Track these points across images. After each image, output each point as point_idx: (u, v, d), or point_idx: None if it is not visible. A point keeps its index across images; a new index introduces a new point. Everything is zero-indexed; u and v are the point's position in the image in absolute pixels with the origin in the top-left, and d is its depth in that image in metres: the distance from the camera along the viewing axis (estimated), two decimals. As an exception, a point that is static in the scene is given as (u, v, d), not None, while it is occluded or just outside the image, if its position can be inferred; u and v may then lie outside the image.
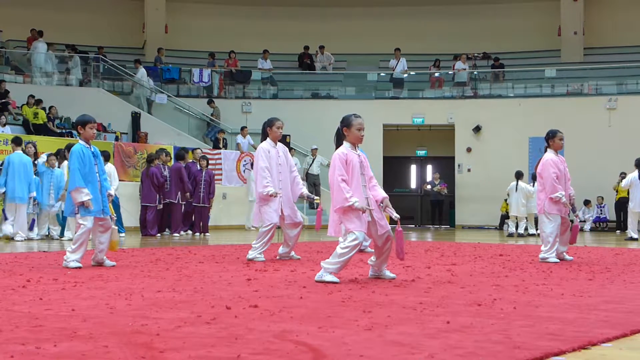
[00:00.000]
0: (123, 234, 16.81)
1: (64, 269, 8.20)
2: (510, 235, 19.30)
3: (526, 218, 20.10)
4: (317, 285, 6.74)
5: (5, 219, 14.98)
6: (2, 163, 15.05)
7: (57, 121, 22.32)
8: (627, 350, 4.05)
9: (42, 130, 20.92)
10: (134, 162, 20.57)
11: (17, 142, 15.28)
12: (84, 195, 8.40)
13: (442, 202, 26.60)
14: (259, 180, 9.78)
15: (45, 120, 21.42)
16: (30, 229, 15.35)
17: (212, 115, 26.17)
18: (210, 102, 26.36)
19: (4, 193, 14.71)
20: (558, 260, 9.86)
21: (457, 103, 27.13)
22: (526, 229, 20.15)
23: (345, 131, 7.26)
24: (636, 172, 17.66)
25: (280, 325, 4.52)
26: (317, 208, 9.88)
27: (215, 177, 19.51)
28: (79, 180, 8.46)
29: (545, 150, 10.32)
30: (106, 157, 16.16)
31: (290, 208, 9.90)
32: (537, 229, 19.34)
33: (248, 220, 20.39)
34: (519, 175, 19.33)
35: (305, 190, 10.19)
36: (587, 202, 24.21)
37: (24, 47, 26.69)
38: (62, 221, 15.71)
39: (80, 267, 8.32)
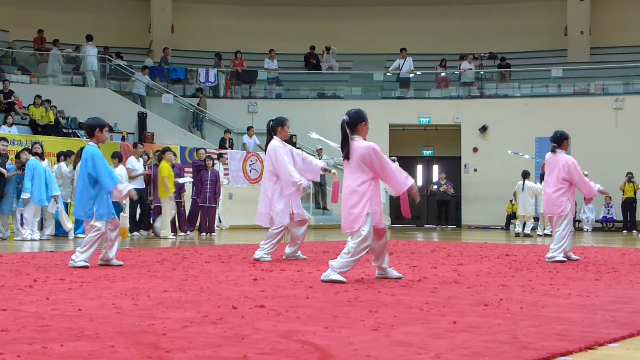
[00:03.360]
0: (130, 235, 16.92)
1: (71, 268, 8.21)
2: (517, 235, 19.26)
3: (534, 218, 20.06)
4: (324, 285, 6.74)
5: (22, 223, 15.08)
6: (21, 168, 15.12)
7: (64, 121, 22.36)
8: (634, 351, 4.05)
9: (50, 130, 20.99)
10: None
11: (28, 150, 15.41)
12: (126, 189, 8.65)
13: (449, 202, 26.57)
14: (289, 174, 9.64)
15: (52, 120, 21.45)
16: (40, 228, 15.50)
17: (198, 104, 26.18)
18: (197, 92, 26.42)
19: (30, 197, 14.79)
20: (565, 260, 9.86)
21: (464, 103, 27.11)
22: (534, 228, 20.10)
23: (362, 126, 7.23)
24: None
25: (286, 325, 4.52)
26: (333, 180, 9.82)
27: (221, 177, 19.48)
28: (115, 178, 8.73)
29: (554, 151, 10.29)
30: (119, 158, 16.26)
31: (297, 206, 9.93)
32: (544, 229, 19.33)
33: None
34: (525, 175, 19.30)
35: (323, 164, 10.13)
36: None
37: (31, 47, 26.74)
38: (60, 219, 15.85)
39: (87, 267, 8.34)
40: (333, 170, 10.14)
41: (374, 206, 7.08)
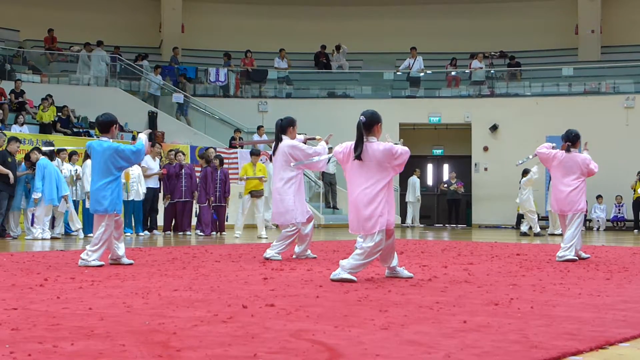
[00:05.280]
0: (142, 234, 16.98)
1: (82, 267, 8.23)
2: (522, 234, 19.18)
3: (542, 217, 19.99)
4: (334, 284, 6.74)
5: (33, 223, 15.15)
6: (31, 167, 15.19)
7: (75, 121, 22.41)
8: (645, 350, 4.04)
9: (53, 128, 21.11)
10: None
11: (39, 150, 15.49)
12: (144, 137, 8.87)
13: (459, 201, 26.54)
14: (317, 158, 9.51)
15: (53, 119, 21.46)
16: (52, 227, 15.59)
17: (181, 89, 26.23)
18: (180, 76, 26.48)
19: (41, 197, 14.86)
20: (576, 258, 9.84)
21: (474, 102, 27.06)
22: (543, 227, 20.02)
23: (378, 128, 7.22)
24: None
25: (296, 324, 4.53)
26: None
27: (231, 175, 19.50)
28: (137, 144, 8.82)
29: (569, 150, 10.29)
30: None
31: (303, 205, 10.00)
32: (555, 228, 19.28)
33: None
34: (523, 173, 19.41)
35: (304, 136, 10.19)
36: (598, 197, 24.06)
37: (42, 47, 26.84)
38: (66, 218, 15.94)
39: (102, 265, 8.38)
40: (318, 137, 10.06)
41: (389, 208, 7.08)
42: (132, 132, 22.94)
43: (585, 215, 10.99)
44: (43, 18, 28.23)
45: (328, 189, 24.36)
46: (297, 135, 10.10)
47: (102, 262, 8.47)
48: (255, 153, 16.81)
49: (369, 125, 7.17)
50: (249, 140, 23.94)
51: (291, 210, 9.77)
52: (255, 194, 16.36)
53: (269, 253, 9.73)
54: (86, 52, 25.76)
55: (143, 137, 8.98)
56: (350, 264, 6.98)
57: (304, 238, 9.99)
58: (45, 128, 20.93)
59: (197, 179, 18.01)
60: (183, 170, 17.83)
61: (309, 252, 10.07)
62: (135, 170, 16.44)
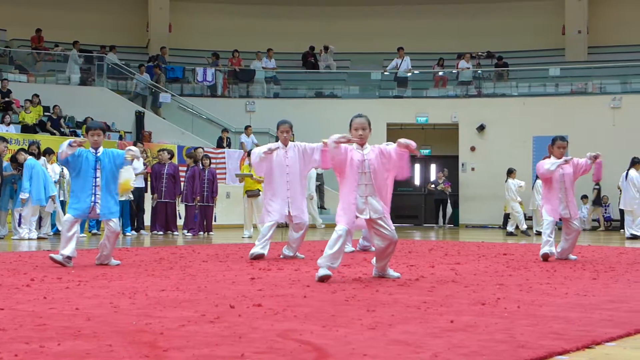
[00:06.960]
0: (129, 234, 16.92)
1: (68, 268, 8.19)
2: (510, 234, 19.28)
3: (529, 216, 20.06)
4: (321, 284, 6.74)
5: (20, 223, 15.08)
6: (17, 169, 15.14)
7: (61, 120, 22.34)
8: (631, 350, 4.05)
9: (39, 128, 21.04)
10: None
11: (24, 151, 15.45)
12: (65, 147, 8.41)
13: (446, 201, 26.59)
14: (256, 155, 9.84)
15: (35, 121, 21.36)
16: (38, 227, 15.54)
17: (156, 81, 26.22)
18: (155, 67, 26.52)
19: (29, 197, 14.80)
20: (549, 252, 9.77)
21: (461, 102, 27.12)
22: (530, 227, 20.10)
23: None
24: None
25: (284, 324, 4.53)
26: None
27: (219, 176, 19.46)
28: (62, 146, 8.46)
29: (550, 156, 10.28)
30: None
31: (297, 209, 9.81)
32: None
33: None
34: (507, 173, 19.55)
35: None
36: (584, 197, 24.15)
37: (28, 46, 26.73)
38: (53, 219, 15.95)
39: (70, 257, 8.32)
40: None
41: (343, 206, 7.16)
42: (119, 131, 22.88)
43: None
44: (30, 17, 28.12)
45: (316, 188, 24.34)
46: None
47: (69, 257, 8.36)
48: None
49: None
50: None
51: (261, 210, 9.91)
52: (250, 193, 16.39)
53: (253, 250, 9.74)
54: (76, 50, 25.66)
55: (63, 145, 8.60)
56: (322, 259, 7.00)
57: (291, 243, 9.99)
58: (28, 129, 20.82)
59: (184, 179, 17.94)
60: (165, 170, 17.71)
61: (297, 253, 10.08)
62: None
